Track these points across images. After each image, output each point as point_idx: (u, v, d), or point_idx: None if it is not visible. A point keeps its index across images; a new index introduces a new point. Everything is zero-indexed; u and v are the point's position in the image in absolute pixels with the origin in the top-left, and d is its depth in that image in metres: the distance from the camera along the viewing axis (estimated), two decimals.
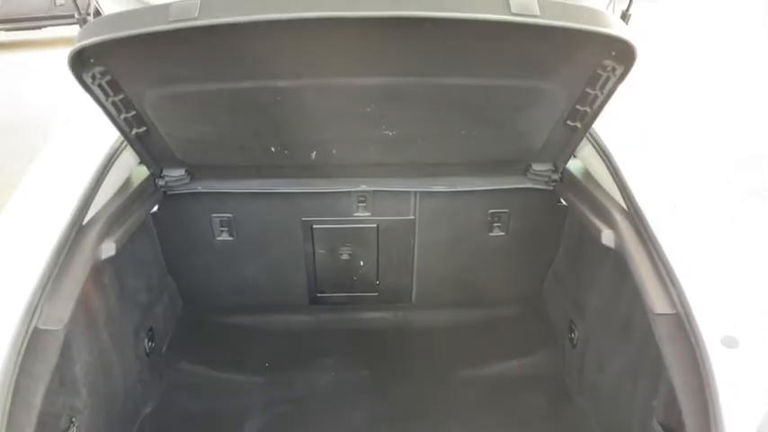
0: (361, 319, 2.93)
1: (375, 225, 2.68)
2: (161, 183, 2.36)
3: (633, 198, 1.86)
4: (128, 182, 2.24)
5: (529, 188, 2.48)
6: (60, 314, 1.63)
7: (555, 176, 2.41)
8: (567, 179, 2.38)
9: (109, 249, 1.89)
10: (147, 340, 2.46)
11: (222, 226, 2.64)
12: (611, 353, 2.19)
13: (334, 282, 2.87)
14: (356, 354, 2.76)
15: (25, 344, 1.52)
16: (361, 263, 2.80)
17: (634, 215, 1.84)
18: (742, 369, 1.47)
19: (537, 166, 2.40)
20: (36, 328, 1.57)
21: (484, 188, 2.50)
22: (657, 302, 1.64)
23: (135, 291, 2.41)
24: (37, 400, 1.47)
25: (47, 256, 1.70)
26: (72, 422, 1.91)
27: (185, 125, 2.06)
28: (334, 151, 2.23)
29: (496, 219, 2.67)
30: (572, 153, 2.27)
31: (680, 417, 1.55)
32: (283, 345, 2.81)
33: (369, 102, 1.94)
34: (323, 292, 2.90)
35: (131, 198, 2.17)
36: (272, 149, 2.20)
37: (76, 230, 1.80)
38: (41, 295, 1.62)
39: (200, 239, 2.67)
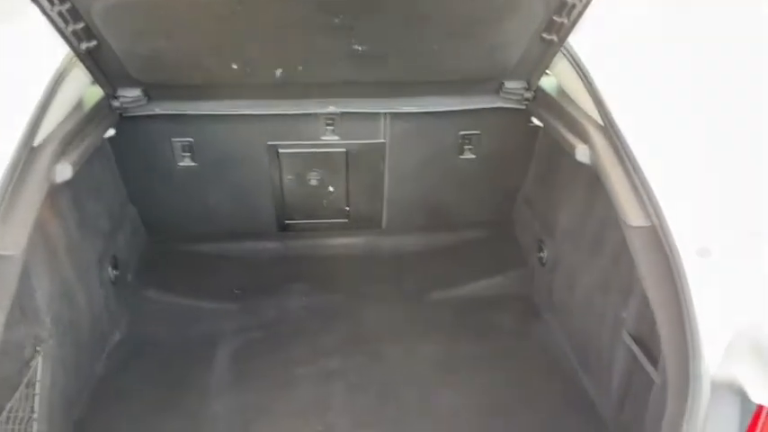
0: (331, 245, 2.90)
1: (344, 149, 2.61)
2: (116, 104, 2.24)
3: (608, 113, 1.82)
4: (81, 103, 2.10)
5: (501, 108, 2.43)
6: (17, 239, 1.54)
7: (528, 94, 2.35)
8: (541, 97, 2.33)
9: (64, 171, 1.79)
10: (110, 268, 2.38)
11: (184, 151, 2.54)
12: (581, 269, 2.21)
13: (302, 208, 2.81)
14: (327, 279, 2.74)
15: None
16: (330, 189, 2.75)
17: (609, 130, 1.80)
18: (716, 278, 1.47)
19: (510, 84, 2.34)
20: None
21: (455, 108, 2.44)
22: (632, 215, 1.63)
23: (95, 217, 2.32)
24: None
25: None
26: (37, 351, 1.86)
27: (138, 39, 1.93)
28: (300, 68, 2.13)
29: (467, 141, 2.63)
30: (546, 69, 2.21)
31: (652, 327, 1.57)
32: (253, 272, 2.77)
33: (336, 12, 1.83)
34: (291, 219, 2.85)
35: (85, 119, 2.05)
36: (234, 66, 2.08)
37: (27, 152, 1.69)
38: None
39: (161, 165, 2.56)
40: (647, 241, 1.59)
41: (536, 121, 2.47)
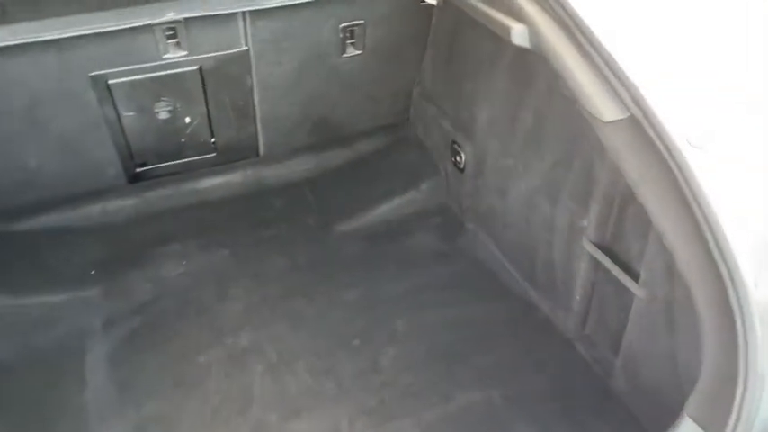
0: (201, 189, 2.35)
1: (197, 67, 2.01)
2: None
3: None
4: None
5: None
6: None
7: None
8: None
9: None
10: None
11: None
12: (516, 173, 1.89)
13: (155, 150, 2.21)
14: (205, 232, 2.22)
15: None
16: (187, 119, 2.16)
17: (556, 6, 1.41)
18: (717, 168, 1.19)
19: None
20: None
21: None
22: (606, 108, 1.28)
23: None
24: None
25: None
26: None
27: None
28: None
29: (349, 35, 2.13)
30: None
31: (623, 235, 1.33)
32: (108, 241, 2.17)
33: None
34: (143, 165, 2.24)
35: None
36: None
37: None
38: None
39: None
40: (629, 136, 1.26)
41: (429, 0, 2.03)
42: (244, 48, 2.01)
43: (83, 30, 1.72)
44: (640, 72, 1.26)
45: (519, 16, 1.50)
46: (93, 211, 2.22)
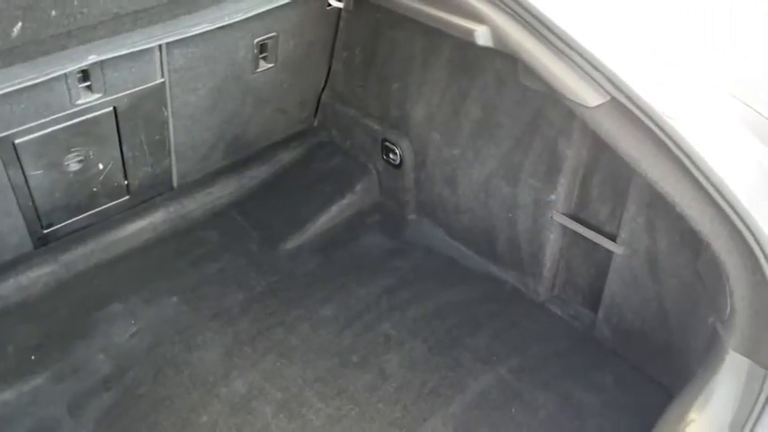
0: (124, 237, 2.12)
1: (110, 108, 1.82)
2: None
3: None
4: None
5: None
6: None
7: None
8: None
9: None
10: None
11: None
12: (466, 162, 1.99)
13: (65, 206, 1.96)
14: (143, 283, 2.03)
15: None
16: (100, 166, 1.94)
17: (516, 7, 1.49)
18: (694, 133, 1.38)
19: None
20: None
21: (251, 13, 1.83)
22: (588, 94, 1.41)
23: None
24: None
25: None
26: None
27: None
28: (53, 13, 1.29)
29: (263, 49, 2.05)
30: None
31: (591, 202, 1.44)
32: (36, 320, 1.90)
33: None
34: (51, 225, 1.98)
35: None
36: None
37: None
38: None
39: None
40: (618, 118, 1.41)
41: (334, 3, 2.03)
42: (160, 80, 1.85)
43: None
44: (609, 59, 1.41)
45: (476, 18, 1.58)
46: (5, 288, 1.91)
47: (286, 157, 2.42)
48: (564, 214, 1.77)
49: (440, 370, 1.80)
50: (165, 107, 1.94)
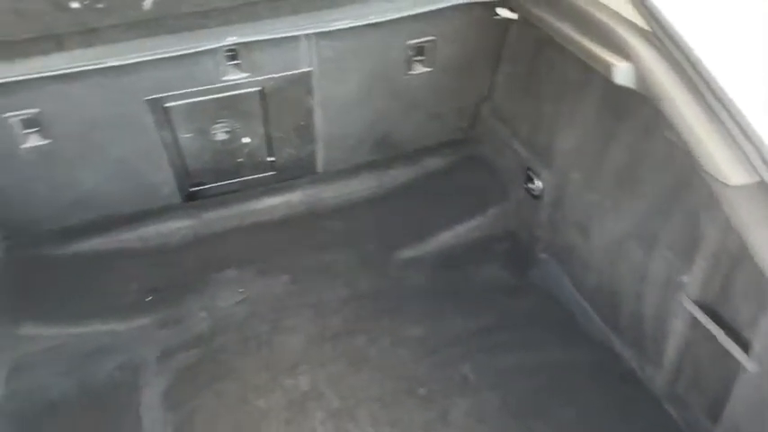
0: (259, 209, 2.24)
1: (257, 88, 1.90)
2: None
3: (658, 13, 1.24)
4: None
5: (462, 4, 1.79)
6: None
7: None
8: None
9: None
10: None
11: (27, 127, 1.75)
12: (603, 211, 1.73)
13: (212, 169, 2.12)
14: (264, 255, 2.12)
15: None
16: (245, 140, 2.06)
17: (661, 37, 1.23)
18: None
19: None
20: None
21: (405, 13, 1.77)
22: (731, 170, 1.12)
23: None
24: None
25: None
26: None
27: None
28: None
29: (419, 51, 1.99)
30: None
31: (732, 299, 1.22)
32: (163, 265, 2.09)
33: None
34: (199, 185, 2.16)
35: None
36: (73, 5, 1.30)
37: None
38: None
39: None
40: (757, 205, 1.10)
41: (505, 13, 1.86)
42: (307, 68, 1.89)
43: (141, 56, 1.62)
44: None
45: (621, 51, 1.33)
46: (148, 232, 2.14)
47: (432, 163, 2.34)
48: (696, 302, 1.45)
49: None
50: (312, 95, 1.99)
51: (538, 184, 1.99)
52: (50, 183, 1.93)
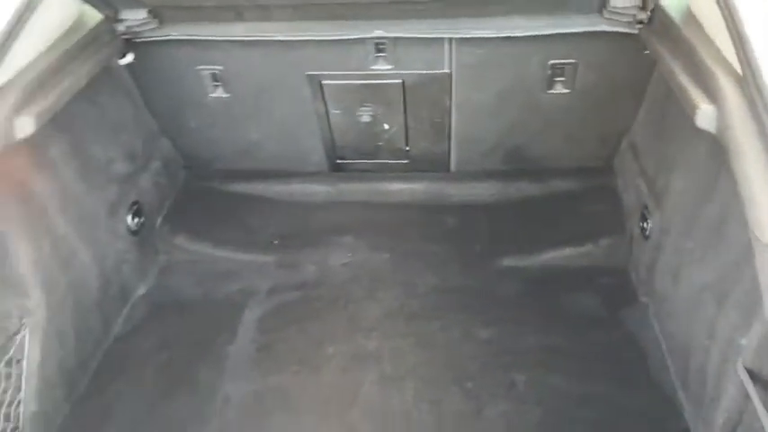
0: (389, 190, 2.47)
1: (400, 81, 2.12)
2: (120, 28, 1.88)
3: (753, 59, 1.21)
4: (71, 31, 1.76)
5: (605, 32, 1.83)
6: None
7: (641, 16, 1.73)
8: (659, 21, 1.70)
9: (24, 126, 1.47)
10: (130, 217, 2.12)
11: (215, 80, 2.16)
12: (692, 259, 1.67)
13: (355, 147, 2.39)
14: (379, 232, 2.34)
15: None
16: (386, 126, 2.29)
17: (752, 86, 1.20)
18: None
19: (616, 1, 1.72)
20: None
21: (543, 32, 1.86)
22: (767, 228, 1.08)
23: (107, 162, 2.04)
24: None
25: None
26: (23, 324, 1.65)
27: None
28: None
29: (559, 72, 2.04)
30: None
31: None
32: (296, 217, 2.42)
33: None
34: (343, 158, 2.44)
35: (75, 50, 1.71)
36: None
37: None
38: None
39: (189, 96, 2.22)
40: None
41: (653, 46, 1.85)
42: (446, 70, 2.06)
43: (303, 35, 1.92)
44: None
45: (712, 93, 1.32)
46: (292, 188, 2.48)
47: (560, 185, 2.37)
48: (749, 370, 1.36)
49: None
50: (449, 96, 2.15)
51: (649, 224, 1.95)
52: (226, 130, 2.34)
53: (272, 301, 2.12)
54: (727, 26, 1.32)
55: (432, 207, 2.43)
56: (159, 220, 2.32)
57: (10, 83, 1.48)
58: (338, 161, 2.45)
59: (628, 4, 1.72)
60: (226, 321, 2.05)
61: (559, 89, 2.09)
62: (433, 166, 2.43)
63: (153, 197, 2.27)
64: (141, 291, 2.18)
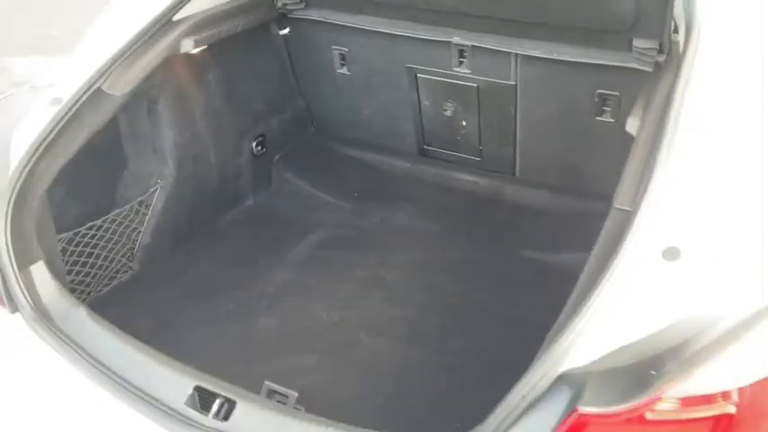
0: (460, 179, 2.92)
1: (475, 85, 2.60)
2: (278, 3, 2.61)
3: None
4: None
5: (637, 69, 2.16)
6: (125, 84, 2.02)
7: (660, 58, 2.04)
8: (675, 61, 2.00)
9: (187, 45, 2.22)
10: (255, 144, 2.84)
11: (341, 59, 2.82)
12: None
13: (439, 137, 2.90)
14: (438, 209, 2.81)
15: (83, 99, 1.94)
16: (464, 123, 2.77)
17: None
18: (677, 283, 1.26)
19: (638, 42, 2.06)
20: (99, 89, 1.99)
21: (585, 60, 2.24)
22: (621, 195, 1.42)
23: (249, 98, 2.78)
24: (76, 141, 1.89)
25: (129, 38, 2.09)
26: (158, 182, 2.41)
27: None
28: None
29: (605, 102, 2.39)
30: (670, 24, 1.90)
31: None
32: (379, 183, 2.99)
33: None
34: (429, 145, 2.96)
35: (241, 8, 2.46)
36: None
37: (163, 23, 2.15)
38: (112, 64, 2.02)
39: (324, 69, 2.89)
40: (617, 226, 1.39)
41: None
42: (512, 82, 2.50)
43: (404, 32, 2.50)
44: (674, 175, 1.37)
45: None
46: (384, 160, 3.05)
47: (604, 208, 2.64)
48: None
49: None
50: (515, 107, 2.58)
51: None
52: (346, 102, 2.99)
53: (334, 232, 2.71)
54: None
55: (489, 201, 2.84)
56: (277, 156, 3.03)
57: (187, 17, 2.25)
58: (425, 146, 2.97)
59: (648, 46, 2.05)
60: (297, 236, 2.67)
61: (606, 118, 2.41)
62: (501, 167, 2.85)
63: (277, 137, 2.98)
64: (250, 202, 2.89)
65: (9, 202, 1.71)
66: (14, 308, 1.64)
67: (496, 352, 2.08)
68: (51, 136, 1.85)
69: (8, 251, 1.66)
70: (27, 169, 1.77)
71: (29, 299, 1.64)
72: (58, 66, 2.21)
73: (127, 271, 2.37)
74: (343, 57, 2.80)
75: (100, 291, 2.27)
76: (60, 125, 1.87)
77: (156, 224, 2.41)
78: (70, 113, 1.89)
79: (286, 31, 2.76)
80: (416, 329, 2.20)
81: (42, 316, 1.62)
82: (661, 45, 2.01)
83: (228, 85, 2.63)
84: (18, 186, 1.74)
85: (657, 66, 2.04)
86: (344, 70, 2.84)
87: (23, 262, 1.68)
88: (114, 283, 2.32)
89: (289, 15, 2.68)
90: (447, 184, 2.95)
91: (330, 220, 2.77)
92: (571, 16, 2.07)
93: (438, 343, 2.13)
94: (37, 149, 1.81)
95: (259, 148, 2.88)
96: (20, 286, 1.64)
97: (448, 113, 2.75)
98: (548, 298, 2.24)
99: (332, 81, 2.92)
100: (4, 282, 1.65)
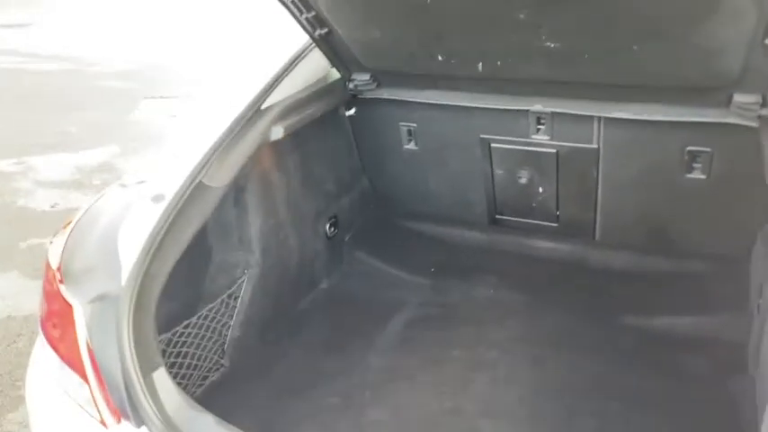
0: (537, 246, 2.87)
1: (554, 151, 2.57)
2: (350, 86, 2.61)
3: None
4: (320, 81, 2.52)
5: (734, 124, 2.13)
6: (223, 176, 1.98)
7: (764, 111, 2.02)
8: None
9: (276, 132, 2.20)
10: (329, 225, 2.79)
11: (409, 135, 2.81)
12: None
13: (512, 205, 2.85)
14: (521, 279, 2.74)
15: (187, 193, 1.89)
16: (540, 189, 2.73)
17: None
18: None
19: (740, 97, 2.04)
20: (200, 183, 1.94)
21: (676, 119, 2.22)
22: None
23: (322, 180, 2.74)
24: (184, 237, 1.83)
25: (225, 129, 2.06)
26: (244, 272, 2.33)
27: (357, 28, 2.24)
28: (498, 63, 2.20)
29: (696, 159, 2.35)
30: None
31: None
32: (454, 255, 2.92)
33: (520, 7, 1.87)
34: (501, 214, 2.91)
35: (317, 94, 2.46)
36: (439, 58, 2.26)
37: (253, 112, 2.14)
38: (212, 155, 1.98)
39: (389, 146, 2.88)
40: None
41: None
42: (594, 146, 2.48)
43: (479, 104, 2.49)
44: None
45: None
46: (455, 232, 3.00)
47: (695, 266, 2.57)
48: None
49: None
50: (597, 170, 2.55)
51: (762, 301, 2.11)
52: (412, 176, 2.95)
53: (419, 311, 2.61)
54: None
55: (572, 267, 2.77)
56: (348, 236, 2.96)
57: (275, 104, 2.24)
58: (497, 216, 2.92)
59: (750, 101, 2.03)
60: (381, 318, 2.57)
61: (696, 174, 2.37)
62: (580, 231, 2.79)
63: (347, 216, 2.93)
64: (324, 285, 2.80)
65: (129, 307, 1.62)
66: (140, 421, 1.53)
67: (631, 427, 1.96)
68: (161, 234, 1.78)
69: (132, 358, 1.56)
70: (144, 271, 1.69)
71: (155, 410, 1.52)
72: (144, 163, 2.17)
73: (218, 369, 2.25)
74: (410, 132, 2.79)
75: (194, 392, 2.14)
76: (168, 222, 1.81)
77: (245, 317, 2.32)
78: (176, 209, 1.84)
79: (352, 111, 2.75)
80: (536, 411, 2.07)
81: (171, 429, 1.50)
82: (764, 99, 2.00)
83: (304, 168, 2.60)
84: (137, 289, 1.65)
85: (762, 120, 2.02)
86: (411, 145, 2.82)
87: (147, 369, 1.58)
88: (207, 383, 2.20)
89: (359, 96, 2.68)
90: (524, 252, 2.88)
91: (411, 299, 2.68)
92: (670, 77, 2.06)
93: (566, 426, 2.00)
94: (149, 249, 1.74)
95: (332, 229, 2.82)
96: (145, 396, 1.53)
97: (523, 181, 2.72)
98: (658, 367, 2.17)
99: (397, 157, 2.89)
100: (128, 393, 1.54)
